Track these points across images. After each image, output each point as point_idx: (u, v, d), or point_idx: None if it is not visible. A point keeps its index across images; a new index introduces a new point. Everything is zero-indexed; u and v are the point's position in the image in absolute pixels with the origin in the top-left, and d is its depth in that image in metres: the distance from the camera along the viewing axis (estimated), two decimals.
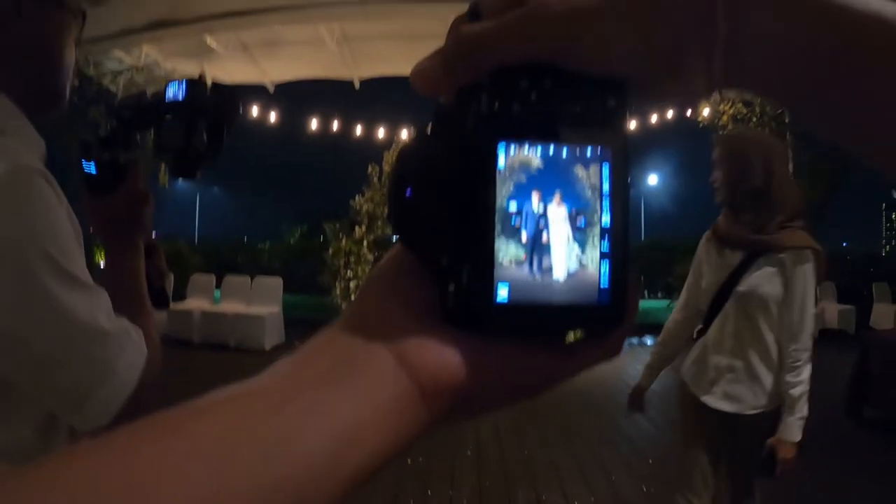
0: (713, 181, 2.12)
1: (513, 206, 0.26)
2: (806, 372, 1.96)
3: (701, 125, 9.46)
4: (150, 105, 0.93)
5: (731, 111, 9.19)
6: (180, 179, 1.00)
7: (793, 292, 1.98)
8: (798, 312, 1.97)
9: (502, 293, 0.26)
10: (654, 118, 9.62)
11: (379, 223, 7.68)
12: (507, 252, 0.26)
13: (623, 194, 0.27)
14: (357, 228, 7.99)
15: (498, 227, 0.26)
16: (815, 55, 0.25)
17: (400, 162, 0.29)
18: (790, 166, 9.38)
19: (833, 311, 9.43)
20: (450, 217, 0.27)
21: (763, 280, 2.01)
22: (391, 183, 0.29)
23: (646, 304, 10.35)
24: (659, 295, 10.40)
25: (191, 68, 9.30)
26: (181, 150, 0.91)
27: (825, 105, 0.26)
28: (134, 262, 0.95)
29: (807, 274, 1.97)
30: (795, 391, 1.95)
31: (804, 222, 2.05)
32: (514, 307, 0.26)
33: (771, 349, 2.02)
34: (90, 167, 0.92)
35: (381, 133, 10.60)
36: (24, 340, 0.66)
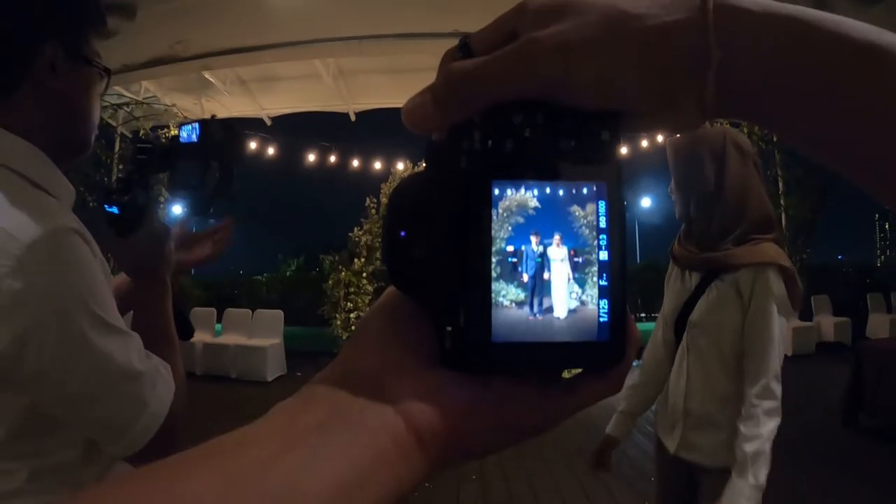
0: (670, 192, 1.77)
1: (511, 248, 0.26)
2: (767, 425, 1.47)
3: None
4: (167, 149, 0.99)
5: None
6: (189, 214, 1.05)
7: (751, 322, 1.55)
8: (757, 348, 1.53)
9: (500, 333, 0.26)
10: (644, 142, 9.80)
11: (377, 255, 7.77)
12: (508, 293, 0.26)
13: (619, 229, 0.27)
14: (356, 260, 8.06)
15: (497, 269, 0.26)
16: (805, 82, 0.25)
17: (393, 202, 0.29)
18: (780, 183, 9.57)
19: (829, 323, 9.46)
20: (445, 258, 0.27)
21: (714, 306, 1.63)
22: (384, 224, 0.29)
23: (644, 325, 10.40)
24: (655, 316, 10.45)
25: (189, 103, 9.44)
26: (197, 189, 0.96)
27: (816, 130, 0.26)
28: (163, 297, 0.99)
29: (767, 298, 1.53)
30: (749, 447, 1.45)
31: (777, 234, 1.65)
32: (513, 346, 0.26)
33: (727, 392, 1.60)
34: (114, 209, 0.96)
35: (377, 165, 10.77)
36: (69, 384, 0.73)
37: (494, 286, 0.26)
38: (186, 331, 1.08)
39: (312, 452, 0.23)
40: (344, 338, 7.95)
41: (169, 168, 0.99)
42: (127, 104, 9.36)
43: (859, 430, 5.13)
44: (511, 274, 0.26)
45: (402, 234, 0.28)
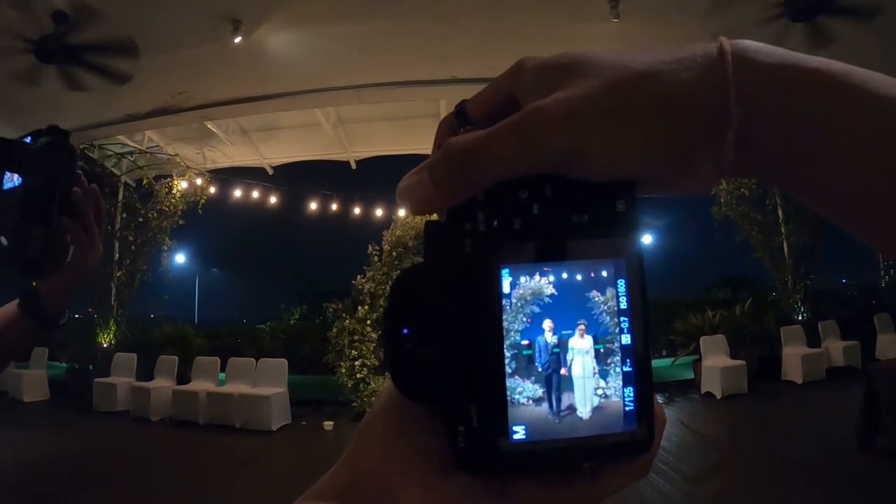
0: None
1: (526, 341, 0.24)
2: None
3: None
4: None
5: None
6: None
7: None
8: None
9: (518, 432, 0.24)
10: None
11: (381, 301, 7.77)
12: (524, 391, 0.24)
13: (642, 309, 0.25)
14: (360, 308, 8.02)
15: (512, 365, 0.24)
16: (831, 141, 0.23)
17: (393, 296, 0.26)
18: (779, 211, 9.57)
19: (838, 348, 9.30)
20: (453, 354, 0.24)
21: None
22: (386, 320, 0.26)
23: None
24: (663, 353, 10.42)
25: (192, 152, 9.61)
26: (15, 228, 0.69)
27: (839, 190, 0.24)
28: None
29: None
30: None
31: None
32: (532, 445, 0.24)
33: None
34: None
35: (378, 212, 10.87)
36: None
37: (509, 383, 0.24)
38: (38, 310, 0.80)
39: None
40: (349, 386, 7.84)
41: None
42: (130, 153, 9.54)
43: (876, 452, 5.02)
44: (527, 369, 0.24)
45: (405, 331, 0.25)
